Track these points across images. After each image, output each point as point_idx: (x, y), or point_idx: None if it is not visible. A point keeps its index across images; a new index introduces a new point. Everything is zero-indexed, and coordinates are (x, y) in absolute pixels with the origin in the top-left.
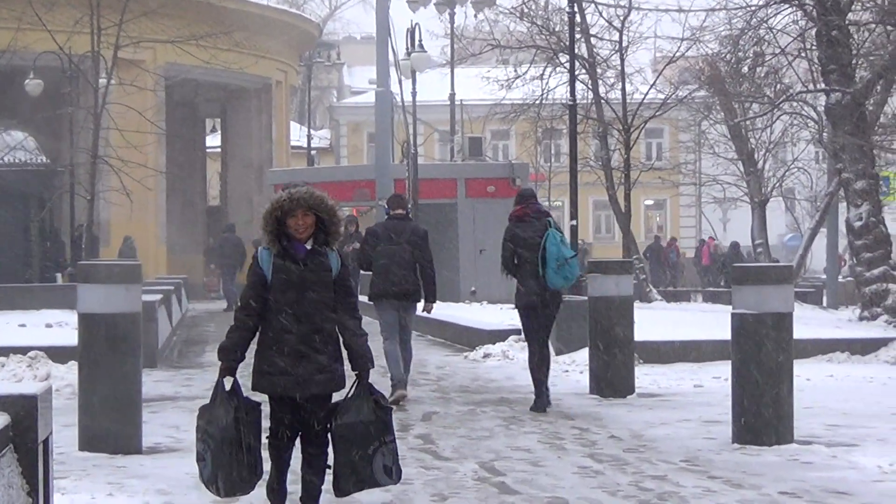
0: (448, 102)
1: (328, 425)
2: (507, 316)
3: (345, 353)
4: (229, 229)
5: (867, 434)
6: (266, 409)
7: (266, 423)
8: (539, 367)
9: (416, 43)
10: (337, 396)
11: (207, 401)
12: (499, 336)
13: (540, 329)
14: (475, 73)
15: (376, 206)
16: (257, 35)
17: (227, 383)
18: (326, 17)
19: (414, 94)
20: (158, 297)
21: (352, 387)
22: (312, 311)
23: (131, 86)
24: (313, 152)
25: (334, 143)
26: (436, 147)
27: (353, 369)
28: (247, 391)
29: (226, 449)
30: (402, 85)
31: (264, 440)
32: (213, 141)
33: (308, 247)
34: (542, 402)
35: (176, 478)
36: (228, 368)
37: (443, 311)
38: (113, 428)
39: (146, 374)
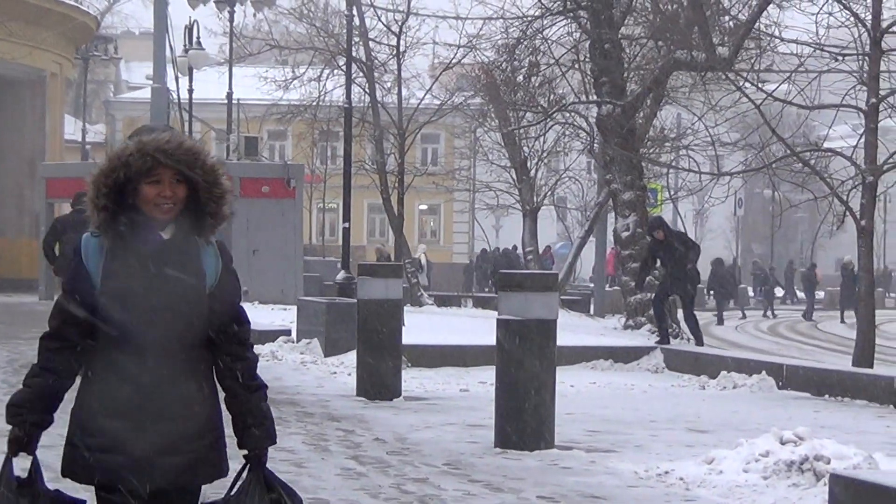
0: (225, 101)
1: None
2: (277, 316)
3: (227, 415)
4: None
5: (626, 440)
6: None
7: None
8: None
9: (195, 40)
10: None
11: None
12: (269, 336)
13: None
14: (253, 72)
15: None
16: (32, 25)
17: (21, 465)
18: (105, 10)
19: (191, 91)
20: None
21: (238, 475)
22: (171, 344)
23: None
24: (88, 147)
25: (110, 138)
26: (212, 145)
27: (239, 445)
28: (55, 478)
29: None
30: (178, 82)
31: None
32: None
33: (166, 235)
34: None
35: None
36: (21, 440)
37: None
38: None
39: None
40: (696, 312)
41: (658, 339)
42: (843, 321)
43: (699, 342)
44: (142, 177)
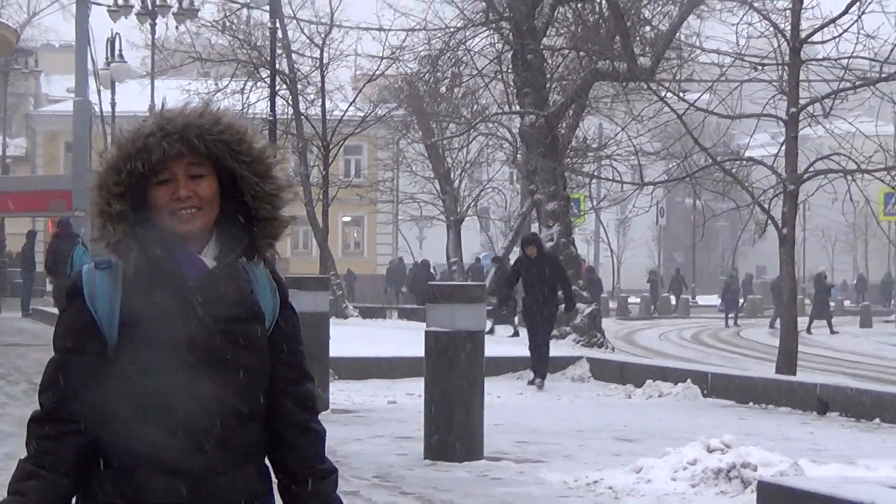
0: (148, 114)
1: None
2: None
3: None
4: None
5: (554, 450)
6: None
7: None
8: None
9: (117, 53)
10: None
11: None
12: None
13: None
14: (176, 84)
15: (73, 216)
16: None
17: None
18: (24, 22)
19: (113, 104)
20: None
21: None
22: (226, 418)
23: None
24: (8, 160)
25: (30, 152)
26: None
27: None
28: None
29: None
30: (101, 95)
31: None
32: None
33: (208, 259)
34: None
35: None
36: None
37: None
38: None
39: None
40: None
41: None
42: (809, 332)
43: (542, 376)
44: (151, 176)
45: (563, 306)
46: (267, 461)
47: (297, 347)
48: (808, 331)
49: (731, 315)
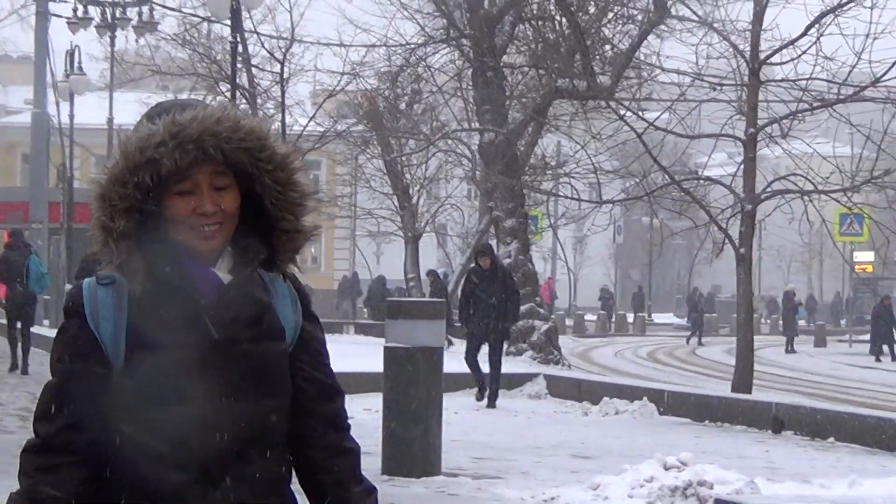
0: (106, 126)
1: None
2: None
3: None
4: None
5: (511, 466)
6: None
7: None
8: None
9: (76, 65)
10: None
11: None
12: None
13: None
14: (135, 97)
15: (29, 228)
16: None
17: None
18: None
19: (71, 116)
20: None
21: None
22: (246, 448)
23: None
24: None
25: None
26: (92, 171)
27: None
28: None
29: None
30: (59, 107)
31: None
32: None
33: (222, 273)
34: None
35: None
36: None
37: None
38: None
39: None
40: None
41: (477, 392)
42: (789, 349)
43: (492, 399)
44: (170, 183)
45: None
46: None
47: (322, 361)
48: (788, 350)
49: (696, 333)
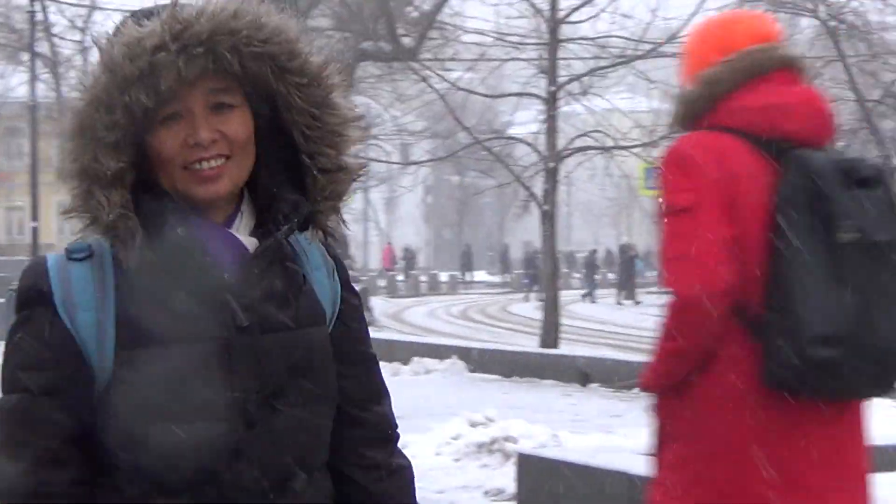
0: None
1: None
2: None
3: None
4: None
5: None
6: None
7: None
8: None
9: None
10: None
11: None
12: None
13: None
14: None
15: None
16: None
17: None
18: None
19: None
20: None
21: None
22: (284, 468)
23: None
24: None
25: None
26: None
27: None
28: None
29: None
30: None
31: None
32: None
33: (246, 240)
34: None
35: None
36: None
37: None
38: None
39: None
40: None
41: None
42: (622, 302)
43: None
44: (164, 103)
45: None
46: None
47: (365, 351)
48: (620, 301)
49: (591, 291)
